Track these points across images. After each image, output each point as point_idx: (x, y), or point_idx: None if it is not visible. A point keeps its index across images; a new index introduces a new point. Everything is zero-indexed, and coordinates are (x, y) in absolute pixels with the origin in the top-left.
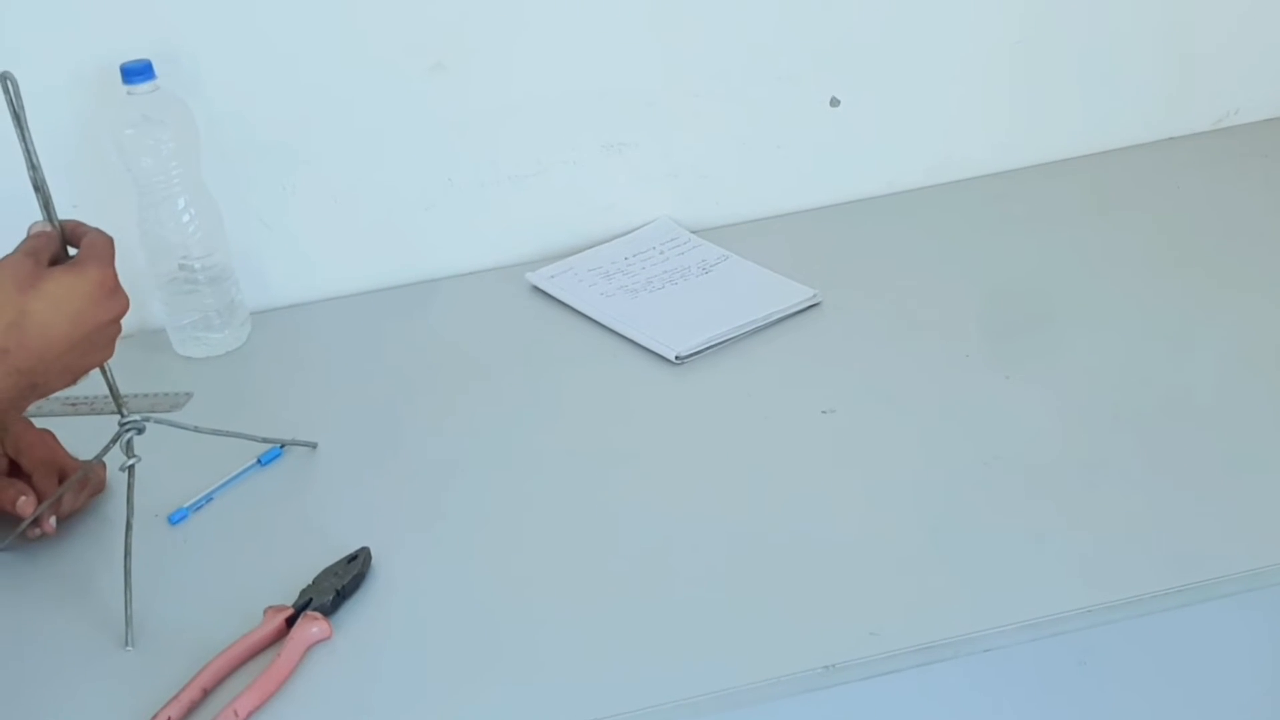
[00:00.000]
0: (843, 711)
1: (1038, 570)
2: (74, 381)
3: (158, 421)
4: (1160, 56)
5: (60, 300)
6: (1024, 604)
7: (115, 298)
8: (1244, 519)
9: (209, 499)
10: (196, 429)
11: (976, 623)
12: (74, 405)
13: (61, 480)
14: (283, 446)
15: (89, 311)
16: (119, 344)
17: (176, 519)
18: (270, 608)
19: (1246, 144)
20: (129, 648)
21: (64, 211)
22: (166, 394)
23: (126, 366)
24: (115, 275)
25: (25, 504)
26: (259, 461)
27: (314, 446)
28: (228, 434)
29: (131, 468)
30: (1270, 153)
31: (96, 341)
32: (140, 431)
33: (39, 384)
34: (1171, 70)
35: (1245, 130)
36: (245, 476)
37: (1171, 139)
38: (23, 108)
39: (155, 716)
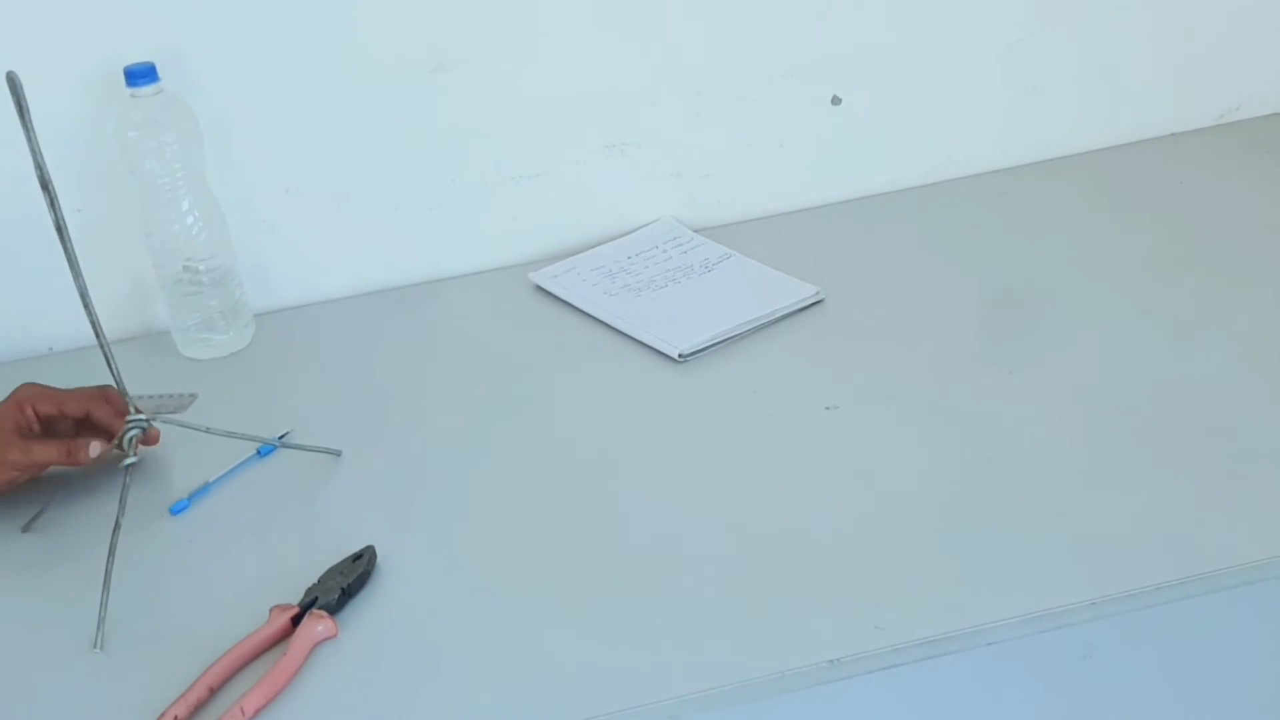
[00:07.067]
0: (848, 705)
1: (1041, 564)
2: None
3: (167, 422)
4: (1162, 52)
5: None
6: (1028, 597)
7: None
8: (1247, 512)
9: (207, 489)
10: (209, 430)
11: (980, 616)
12: None
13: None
14: (279, 444)
15: None
16: (125, 345)
17: (178, 509)
18: (276, 606)
19: (1249, 139)
20: (97, 649)
21: (69, 215)
22: (172, 395)
23: (131, 368)
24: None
25: (96, 446)
26: (258, 453)
27: (339, 454)
28: (241, 436)
29: (130, 466)
30: (1273, 148)
31: None
32: (145, 431)
33: None
34: (1174, 66)
35: (1248, 125)
36: (245, 468)
37: (1174, 135)
38: (28, 107)
39: (162, 715)
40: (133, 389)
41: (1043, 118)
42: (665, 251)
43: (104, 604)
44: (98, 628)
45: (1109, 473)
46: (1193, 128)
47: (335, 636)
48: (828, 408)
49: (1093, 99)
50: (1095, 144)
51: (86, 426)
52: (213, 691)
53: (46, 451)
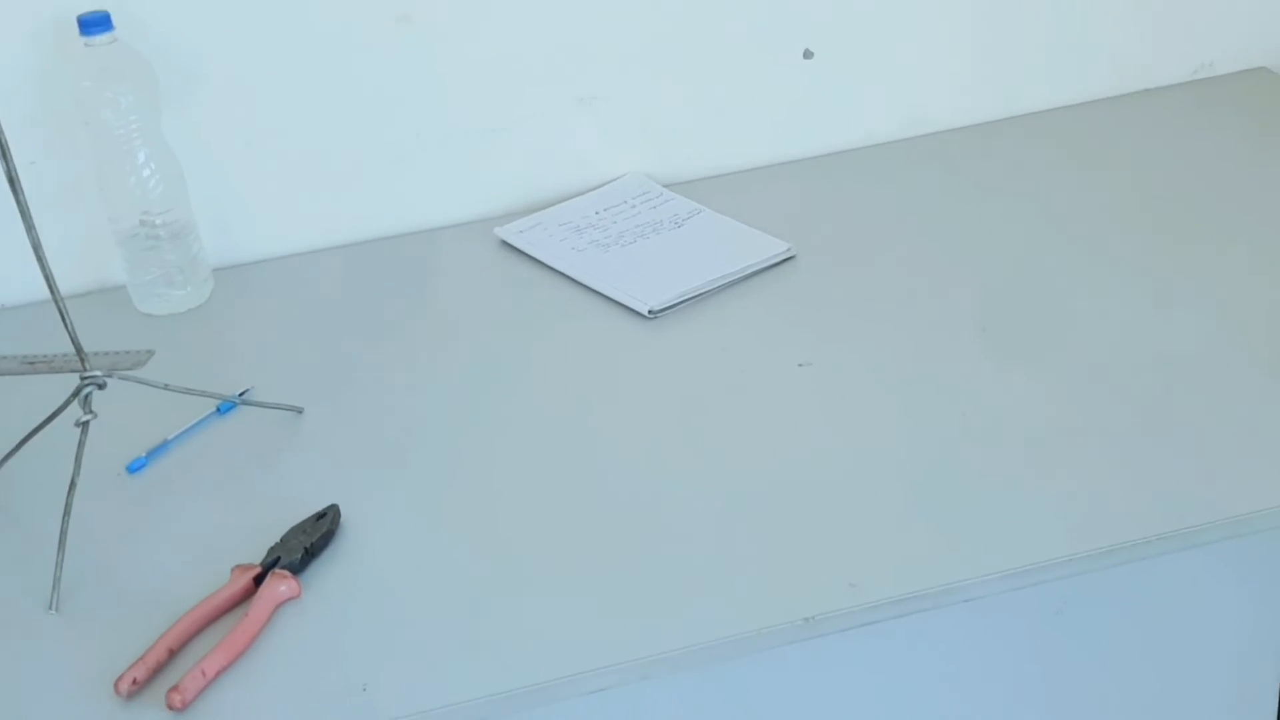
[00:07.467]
0: (823, 663)
1: (1016, 520)
2: None
3: (124, 378)
4: (1135, 8)
5: None
6: (1003, 554)
7: None
8: (1220, 469)
9: (165, 447)
10: (167, 386)
11: (955, 573)
12: (32, 364)
13: None
14: (239, 402)
15: None
16: (79, 301)
17: (135, 468)
18: (238, 566)
19: (1222, 95)
20: (52, 611)
21: (22, 167)
22: (127, 352)
23: (86, 324)
24: None
25: None
26: (218, 410)
27: (300, 411)
28: (199, 393)
29: (85, 424)
30: (1246, 104)
31: None
32: (101, 387)
33: None
34: (1146, 22)
35: (1220, 82)
36: (205, 426)
37: (1147, 91)
38: None
39: (121, 677)
40: (88, 345)
41: (1016, 73)
42: (634, 207)
43: (59, 564)
44: (53, 589)
45: (1084, 430)
46: (1165, 84)
47: (298, 597)
48: (800, 364)
49: (1065, 55)
50: (1068, 100)
51: None
52: (173, 653)
53: None
